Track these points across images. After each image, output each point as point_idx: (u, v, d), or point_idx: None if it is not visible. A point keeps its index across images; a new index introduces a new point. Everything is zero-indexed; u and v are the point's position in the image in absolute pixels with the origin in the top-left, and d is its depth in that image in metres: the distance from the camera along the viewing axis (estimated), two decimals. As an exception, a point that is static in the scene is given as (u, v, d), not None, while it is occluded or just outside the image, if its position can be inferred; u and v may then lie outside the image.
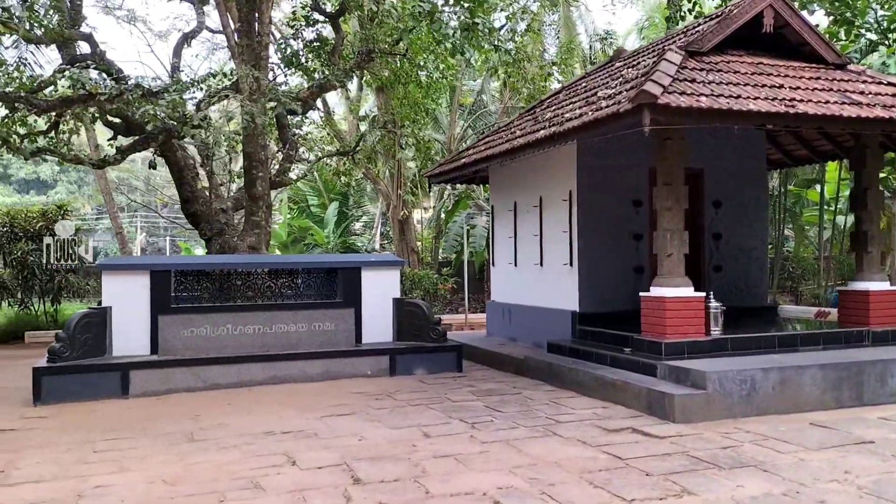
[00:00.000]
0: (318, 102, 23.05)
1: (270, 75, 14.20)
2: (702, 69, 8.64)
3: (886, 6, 15.99)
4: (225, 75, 12.02)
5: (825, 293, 18.51)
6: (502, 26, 18.76)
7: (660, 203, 8.67)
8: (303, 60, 14.36)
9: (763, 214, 11.71)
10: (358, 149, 15.94)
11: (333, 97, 24.29)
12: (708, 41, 9.05)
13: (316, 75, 14.20)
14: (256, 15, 11.84)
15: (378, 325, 10.81)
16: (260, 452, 6.26)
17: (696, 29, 10.29)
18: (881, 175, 18.64)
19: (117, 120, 13.07)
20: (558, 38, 27.40)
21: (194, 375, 9.36)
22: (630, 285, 10.48)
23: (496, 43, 15.77)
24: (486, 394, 8.83)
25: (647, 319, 8.76)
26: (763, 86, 8.52)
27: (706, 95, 7.87)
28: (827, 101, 8.38)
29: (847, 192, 17.87)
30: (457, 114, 24.91)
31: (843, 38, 16.71)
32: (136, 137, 11.89)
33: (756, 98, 8.09)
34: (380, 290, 10.85)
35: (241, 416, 7.78)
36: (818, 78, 9.14)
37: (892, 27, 16.07)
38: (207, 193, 12.11)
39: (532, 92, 15.89)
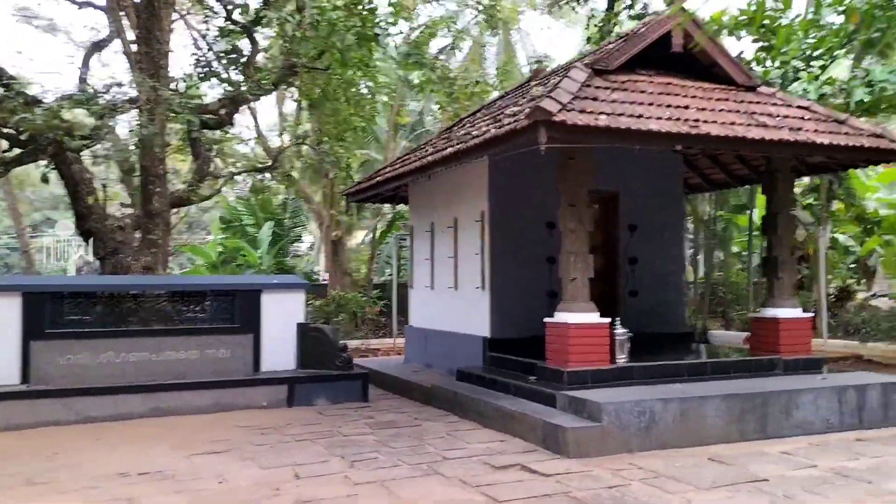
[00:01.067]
0: (252, 117, 22.47)
1: (182, 86, 13.54)
2: (606, 87, 8.36)
3: (809, 34, 16.17)
4: (120, 85, 11.39)
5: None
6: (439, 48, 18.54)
7: (563, 225, 8.31)
8: (218, 71, 13.73)
9: (680, 239, 11.50)
10: (276, 165, 15.35)
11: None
12: (615, 59, 8.79)
13: (234, 87, 13.59)
14: (156, 22, 11.23)
15: (279, 352, 10.18)
16: (100, 498, 5.61)
17: (607, 48, 10.06)
18: (808, 202, 18.89)
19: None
20: (498, 60, 27.39)
21: (66, 407, 8.60)
22: (544, 310, 9.97)
23: (421, 60, 15.50)
24: (384, 426, 8.29)
25: (550, 346, 8.36)
26: (669, 106, 8.27)
27: (607, 114, 7.56)
28: (733, 123, 8.17)
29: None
30: (398, 133, 24.55)
31: (769, 64, 16.89)
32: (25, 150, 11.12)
33: (659, 118, 7.82)
34: (282, 315, 10.24)
35: (102, 454, 7.08)
36: (727, 99, 8.95)
37: (814, 55, 16.26)
38: (102, 210, 11.36)
39: (458, 111, 15.61)
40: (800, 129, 8.56)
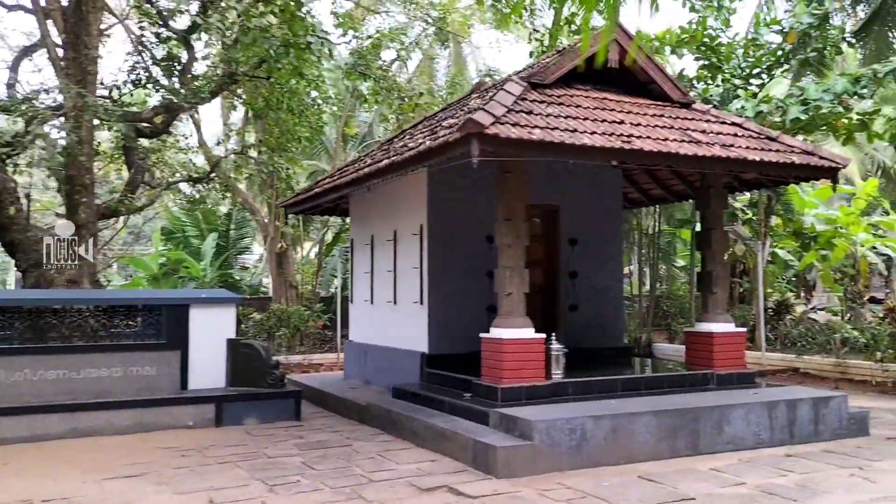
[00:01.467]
0: (195, 127, 21.95)
1: (117, 93, 13.11)
2: (542, 101, 8.31)
3: (748, 53, 16.52)
4: (48, 91, 10.93)
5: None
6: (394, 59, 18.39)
7: (500, 240, 8.20)
8: (154, 78, 13.32)
9: (619, 253, 11.52)
10: (214, 175, 14.96)
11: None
12: (551, 73, 8.76)
13: (169, 95, 13.20)
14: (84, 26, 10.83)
15: (208, 368, 9.83)
16: (-7, 530, 5.24)
17: (544, 62, 10.04)
18: (747, 217, 19.23)
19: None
20: (448, 73, 27.41)
21: (-26, 429, 8.13)
22: (484, 325, 9.82)
23: (366, 71, 15.33)
24: (312, 447, 8.03)
25: (486, 363, 8.22)
26: (604, 121, 8.25)
27: (541, 128, 7.49)
28: (666, 139, 8.19)
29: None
30: (347, 144, 24.30)
31: (710, 82, 17.18)
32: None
33: (593, 133, 7.78)
34: (212, 330, 9.89)
35: (7, 480, 6.68)
36: (662, 115, 8.99)
37: (753, 73, 16.61)
38: (25, 220, 10.86)
39: (403, 123, 15.47)
40: (732, 145, 8.63)
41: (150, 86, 13.04)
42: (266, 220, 22.13)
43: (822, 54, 16.86)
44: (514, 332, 7.98)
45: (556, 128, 7.61)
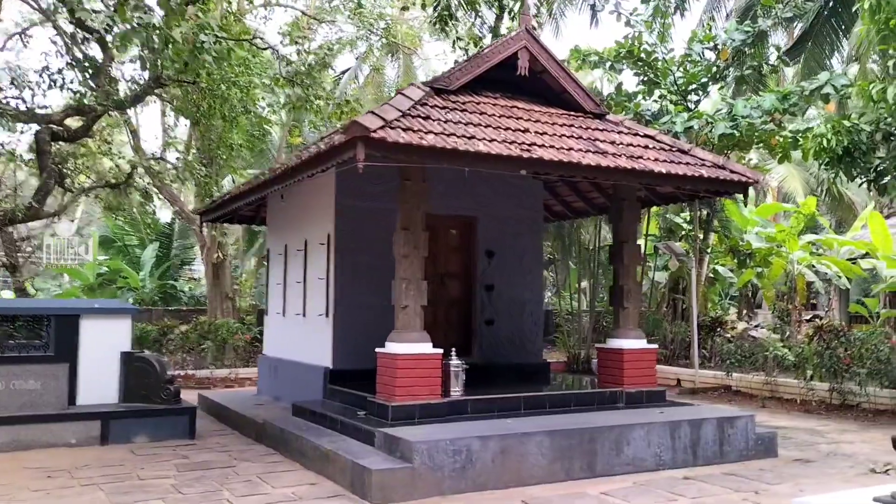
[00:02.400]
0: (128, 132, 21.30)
1: (28, 94, 12.53)
2: (444, 107, 8.01)
3: (683, 69, 16.50)
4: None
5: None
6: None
7: (397, 249, 7.86)
8: (67, 81, 12.78)
9: (538, 266, 11.25)
10: (130, 182, 14.40)
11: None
12: (456, 79, 8.47)
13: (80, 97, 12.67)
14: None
15: (100, 383, 9.26)
16: None
17: (452, 68, 9.77)
18: (683, 233, 19.19)
19: None
20: (397, 84, 27.12)
21: None
22: (392, 340, 9.60)
23: (294, 79, 14.93)
24: (193, 468, 7.54)
25: (380, 379, 7.85)
26: (507, 128, 7.97)
27: (435, 133, 7.18)
28: (570, 149, 7.93)
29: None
30: (292, 152, 23.82)
31: (646, 98, 17.14)
32: None
33: (493, 140, 7.49)
34: (104, 343, 9.34)
35: None
36: (572, 125, 8.75)
37: (688, 88, 16.59)
38: None
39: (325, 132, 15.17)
40: (640, 157, 8.42)
41: (62, 88, 12.45)
42: (204, 231, 21.52)
43: (760, 72, 16.96)
44: (408, 346, 7.62)
45: (453, 134, 7.30)
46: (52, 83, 12.91)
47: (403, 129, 6.99)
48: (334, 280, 9.59)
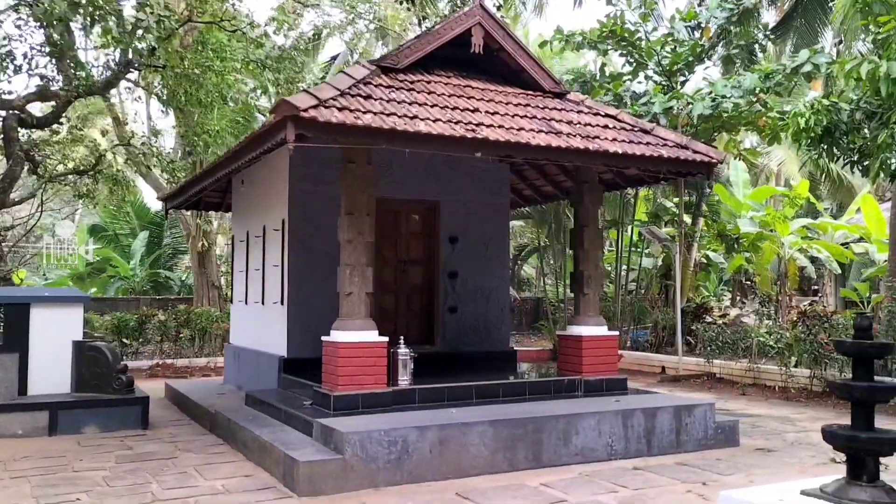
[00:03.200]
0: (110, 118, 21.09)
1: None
2: (389, 86, 7.72)
3: (666, 48, 16.10)
4: None
5: (623, 334, 18.26)
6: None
7: (341, 235, 7.62)
8: (31, 65, 12.55)
9: (505, 252, 10.97)
10: (99, 168, 14.19)
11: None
12: (405, 57, 8.18)
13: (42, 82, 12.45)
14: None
15: (52, 372, 9.09)
16: None
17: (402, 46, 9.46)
18: (670, 217, 18.85)
19: None
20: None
21: None
22: (351, 328, 9.38)
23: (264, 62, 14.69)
24: (133, 459, 7.35)
25: (325, 368, 7.62)
26: (455, 108, 7.68)
27: (374, 113, 6.90)
28: (521, 129, 7.64)
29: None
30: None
31: (632, 78, 16.77)
32: None
33: (437, 120, 7.21)
34: (56, 332, 9.15)
35: None
36: (528, 105, 8.45)
37: (674, 69, 16.20)
38: None
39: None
40: (596, 137, 8.12)
41: (29, 74, 12.23)
42: (186, 219, 21.33)
43: (751, 51, 16.55)
44: (351, 335, 7.38)
45: (394, 114, 7.03)
46: (17, 69, 12.68)
47: (339, 109, 6.72)
48: (289, 267, 9.36)
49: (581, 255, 8.88)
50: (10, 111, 12.95)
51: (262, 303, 10.20)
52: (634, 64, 16.53)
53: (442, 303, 10.18)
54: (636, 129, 8.71)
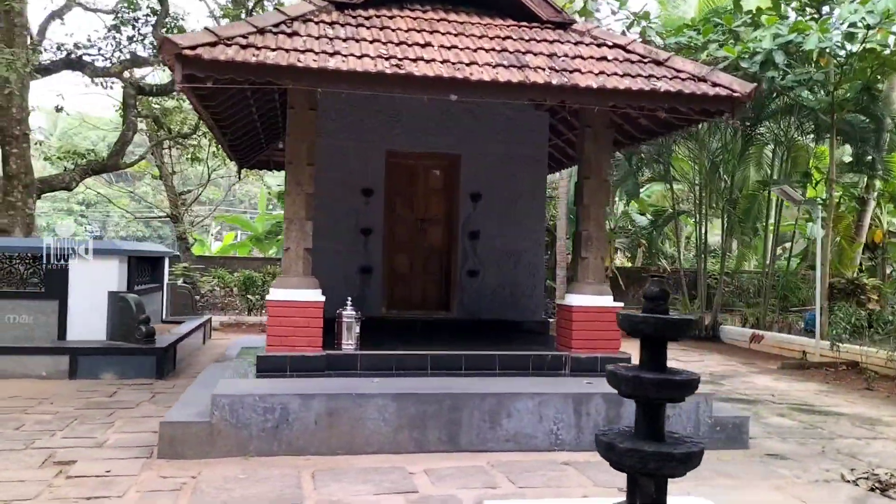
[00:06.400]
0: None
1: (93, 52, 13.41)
2: (333, 23, 7.03)
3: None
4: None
5: (766, 315, 15.82)
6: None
7: (285, 187, 7.14)
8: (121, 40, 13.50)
9: (539, 211, 9.75)
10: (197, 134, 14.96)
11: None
12: (369, -9, 7.40)
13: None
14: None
15: (90, 320, 9.72)
16: None
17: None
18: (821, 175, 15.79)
19: None
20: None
21: None
22: (356, 287, 8.95)
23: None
24: (99, 406, 7.58)
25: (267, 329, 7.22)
26: (402, 44, 6.80)
27: (287, 50, 6.28)
28: (472, 63, 6.57)
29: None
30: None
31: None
32: None
33: (364, 56, 6.41)
34: (94, 282, 9.77)
35: None
36: (506, 38, 7.27)
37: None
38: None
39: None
40: (592, 71, 6.80)
41: (126, 42, 13.16)
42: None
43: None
44: (287, 292, 6.91)
45: (311, 50, 6.34)
46: (118, 44, 13.66)
47: (243, 47, 6.21)
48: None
49: (582, 212, 7.56)
50: (128, 82, 13.99)
51: (285, 261, 10.06)
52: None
53: (461, 266, 9.34)
54: (647, 60, 7.19)
